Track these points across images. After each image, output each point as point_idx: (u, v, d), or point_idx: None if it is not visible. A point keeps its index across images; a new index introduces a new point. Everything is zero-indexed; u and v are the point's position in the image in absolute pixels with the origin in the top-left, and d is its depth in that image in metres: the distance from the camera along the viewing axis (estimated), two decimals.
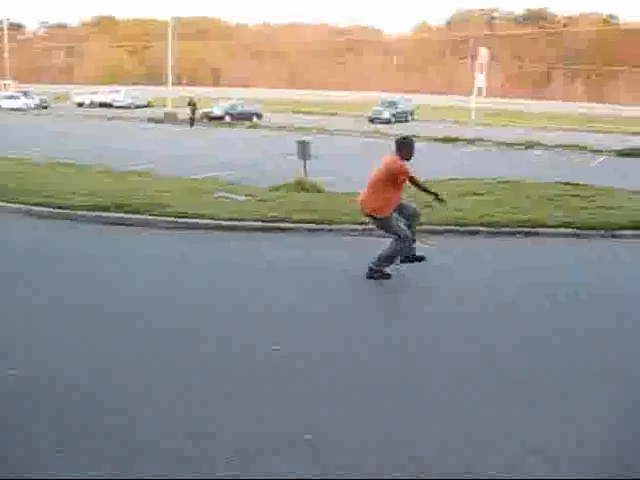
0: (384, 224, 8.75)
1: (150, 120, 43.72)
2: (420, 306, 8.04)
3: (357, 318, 7.33)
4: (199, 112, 43.80)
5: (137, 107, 58.20)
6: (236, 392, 5.34)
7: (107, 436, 4.59)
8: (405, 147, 8.80)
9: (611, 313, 7.85)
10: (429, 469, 4.38)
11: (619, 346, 6.77)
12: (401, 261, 8.91)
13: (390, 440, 4.72)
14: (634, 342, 6.95)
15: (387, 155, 8.87)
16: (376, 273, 8.69)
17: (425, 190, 9.00)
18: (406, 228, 8.72)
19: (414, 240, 8.94)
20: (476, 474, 4.34)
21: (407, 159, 8.80)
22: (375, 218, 8.81)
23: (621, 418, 5.26)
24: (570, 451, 4.66)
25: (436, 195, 9.06)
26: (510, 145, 32.64)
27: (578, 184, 17.70)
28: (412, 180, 8.78)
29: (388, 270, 8.78)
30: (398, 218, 8.75)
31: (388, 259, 8.71)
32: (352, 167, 21.45)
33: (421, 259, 9.02)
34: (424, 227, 11.48)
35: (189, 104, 41.28)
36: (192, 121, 41.02)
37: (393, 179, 8.54)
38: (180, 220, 11.64)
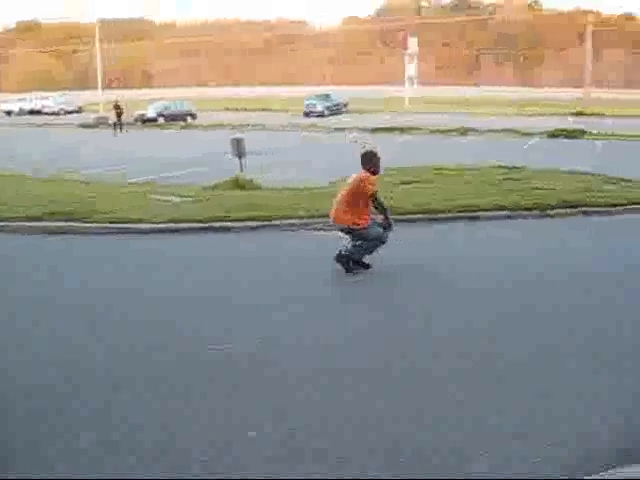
0: (364, 234, 8.71)
1: (82, 126, 42.94)
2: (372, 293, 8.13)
3: (313, 308, 7.36)
4: (133, 115, 43.15)
5: (68, 113, 57.02)
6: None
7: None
8: (367, 161, 8.86)
9: (539, 288, 8.11)
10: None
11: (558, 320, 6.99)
12: (339, 260, 8.83)
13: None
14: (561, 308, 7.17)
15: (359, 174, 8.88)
16: (345, 261, 8.75)
17: (383, 213, 8.83)
18: (383, 231, 8.75)
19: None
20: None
21: (374, 173, 8.82)
22: (355, 230, 8.74)
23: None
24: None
25: (388, 220, 8.82)
26: (444, 132, 33.05)
27: (510, 167, 18.09)
28: (374, 198, 8.68)
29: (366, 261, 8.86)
30: (375, 221, 8.80)
31: (360, 252, 8.77)
32: (288, 162, 21.54)
33: (367, 267, 8.90)
34: None
35: (114, 108, 39.65)
36: (119, 125, 38.89)
37: (362, 195, 8.61)
38: (115, 225, 11.45)
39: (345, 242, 8.91)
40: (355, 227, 8.70)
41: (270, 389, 5.40)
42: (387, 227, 8.80)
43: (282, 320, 7.08)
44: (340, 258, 8.78)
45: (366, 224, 8.68)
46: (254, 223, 11.47)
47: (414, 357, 6.08)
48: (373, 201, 8.71)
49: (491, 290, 8.19)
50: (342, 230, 8.95)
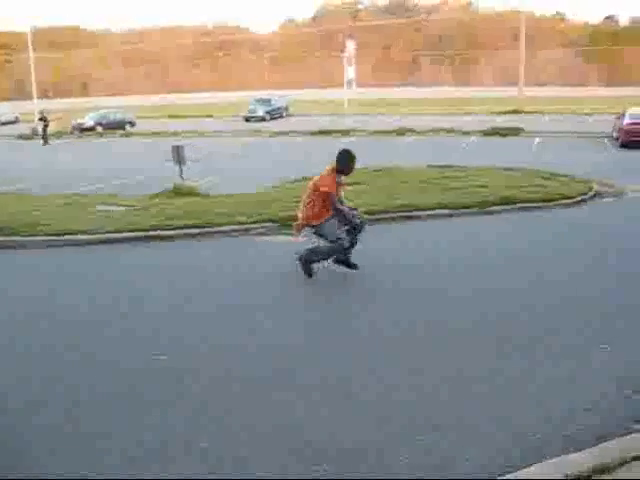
0: (319, 231, 8.75)
1: (20, 137, 41.93)
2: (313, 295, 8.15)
3: (249, 315, 7.34)
4: (71, 124, 42.37)
5: (4, 124, 55.68)
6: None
7: None
8: (342, 160, 8.70)
9: (475, 280, 8.25)
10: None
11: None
12: (335, 261, 8.92)
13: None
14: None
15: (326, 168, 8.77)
16: (303, 263, 8.76)
17: (339, 214, 8.71)
18: (344, 238, 8.64)
19: (352, 246, 8.86)
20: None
21: (345, 173, 8.77)
22: (311, 226, 8.80)
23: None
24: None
25: (351, 223, 8.77)
26: (384, 133, 33.31)
27: (450, 166, 18.35)
28: (332, 201, 8.60)
29: (315, 268, 8.82)
30: (336, 226, 8.67)
31: (318, 255, 8.78)
32: (229, 168, 21.46)
33: (354, 267, 8.91)
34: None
35: (40, 119, 38.24)
36: (44, 137, 37.15)
37: (319, 193, 8.57)
38: (57, 238, 11.25)
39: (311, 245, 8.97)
40: (312, 223, 8.73)
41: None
42: (355, 229, 8.77)
43: (214, 327, 7.07)
44: (300, 260, 8.82)
45: (320, 221, 8.65)
46: (195, 230, 11.39)
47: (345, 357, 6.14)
48: (332, 205, 8.62)
49: (426, 290, 8.30)
50: (308, 228, 8.97)
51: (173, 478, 4.31)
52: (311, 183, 8.79)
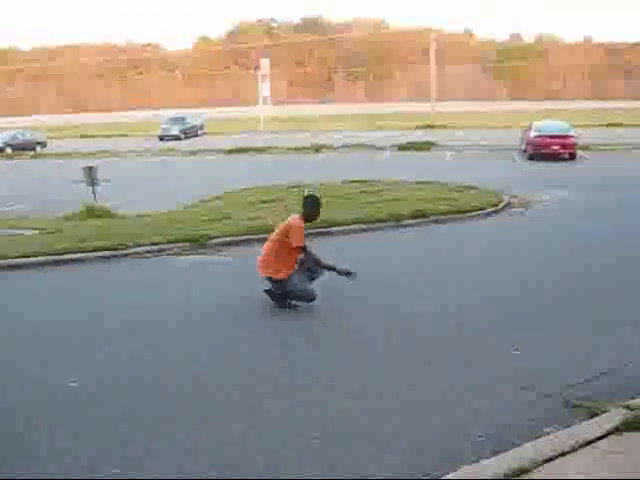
0: (284, 287, 8.05)
1: None
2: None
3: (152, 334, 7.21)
4: None
5: None
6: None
7: None
8: (305, 204, 8.25)
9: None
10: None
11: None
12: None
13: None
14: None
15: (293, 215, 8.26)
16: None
17: (321, 265, 8.14)
18: (310, 288, 8.11)
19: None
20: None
21: (310, 220, 8.29)
22: (275, 281, 8.07)
23: None
24: None
25: (334, 269, 8.15)
26: (299, 150, 33.42)
27: (365, 181, 18.57)
28: (302, 249, 8.02)
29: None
30: (301, 277, 8.11)
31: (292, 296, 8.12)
32: (143, 188, 21.14)
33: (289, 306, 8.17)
34: (217, 240, 11.62)
35: None
36: None
37: (287, 243, 7.96)
38: None
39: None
40: (276, 278, 8.03)
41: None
42: (347, 275, 8.08)
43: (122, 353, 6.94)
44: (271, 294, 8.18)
45: (286, 276, 7.99)
46: (108, 253, 11.12)
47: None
48: (303, 253, 8.05)
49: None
50: (268, 279, 8.17)
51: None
52: (281, 227, 8.13)
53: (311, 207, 8.25)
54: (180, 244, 11.50)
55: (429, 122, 46.68)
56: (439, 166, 25.07)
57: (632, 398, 5.18)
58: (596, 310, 7.82)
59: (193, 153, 34.33)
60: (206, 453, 4.73)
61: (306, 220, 8.20)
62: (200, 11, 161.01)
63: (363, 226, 12.99)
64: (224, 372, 6.25)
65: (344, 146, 33.84)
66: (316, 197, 8.40)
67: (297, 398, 5.60)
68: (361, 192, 16.74)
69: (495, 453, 4.47)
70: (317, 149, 33.36)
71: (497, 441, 4.70)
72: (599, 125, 42.74)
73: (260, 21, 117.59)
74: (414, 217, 13.50)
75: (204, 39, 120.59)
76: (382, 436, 4.92)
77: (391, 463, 4.53)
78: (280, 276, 7.99)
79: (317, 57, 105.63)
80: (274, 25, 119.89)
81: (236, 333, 7.46)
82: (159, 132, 46.29)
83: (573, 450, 4.44)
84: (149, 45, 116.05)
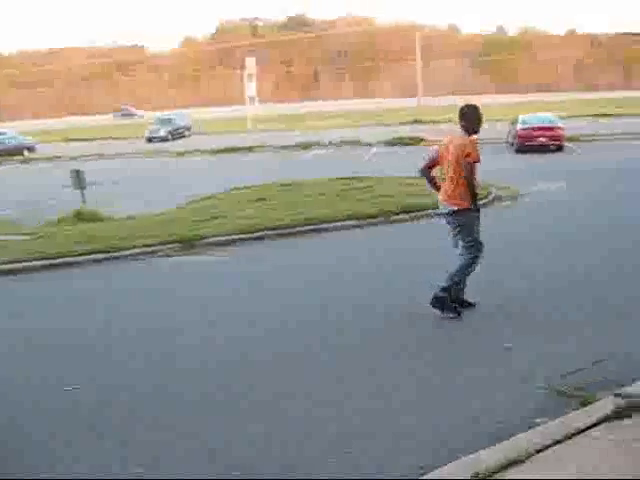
0: (464, 223, 7.28)
1: None
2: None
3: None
4: None
5: None
6: None
7: None
8: (462, 116, 7.38)
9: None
10: None
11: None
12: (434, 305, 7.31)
13: None
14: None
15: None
16: (440, 300, 7.27)
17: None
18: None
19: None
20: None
21: (474, 132, 7.33)
22: (456, 214, 7.28)
23: None
24: None
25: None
26: (289, 148, 33.48)
27: (353, 177, 18.63)
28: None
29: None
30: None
31: (463, 271, 7.32)
32: (132, 190, 21.11)
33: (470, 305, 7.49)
34: (212, 239, 11.65)
35: None
36: None
37: (465, 164, 7.14)
38: None
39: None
40: (457, 209, 7.21)
41: None
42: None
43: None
44: (436, 302, 7.29)
45: (468, 205, 7.18)
46: (100, 256, 11.12)
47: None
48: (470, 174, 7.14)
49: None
50: (446, 219, 7.39)
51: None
52: (454, 153, 7.16)
53: (468, 115, 7.35)
54: (173, 245, 11.51)
55: (417, 117, 46.81)
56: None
57: (622, 386, 5.23)
58: (585, 301, 7.87)
59: (181, 154, 34.32)
60: None
61: (473, 133, 7.33)
62: (185, 11, 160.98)
63: (353, 222, 13.03)
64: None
65: (333, 143, 33.90)
66: (473, 105, 7.48)
67: None
68: (351, 188, 16.79)
69: (489, 446, 4.52)
70: (306, 147, 33.42)
71: (492, 433, 4.74)
72: (586, 115, 42.95)
73: (245, 20, 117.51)
74: (404, 212, 13.56)
75: (190, 39, 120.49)
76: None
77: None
78: (461, 206, 7.20)
79: (303, 56, 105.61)
80: (259, 24, 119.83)
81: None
82: (146, 134, 46.21)
83: (566, 439, 4.49)
84: (135, 47, 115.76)
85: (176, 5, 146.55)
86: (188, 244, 11.50)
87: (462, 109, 7.47)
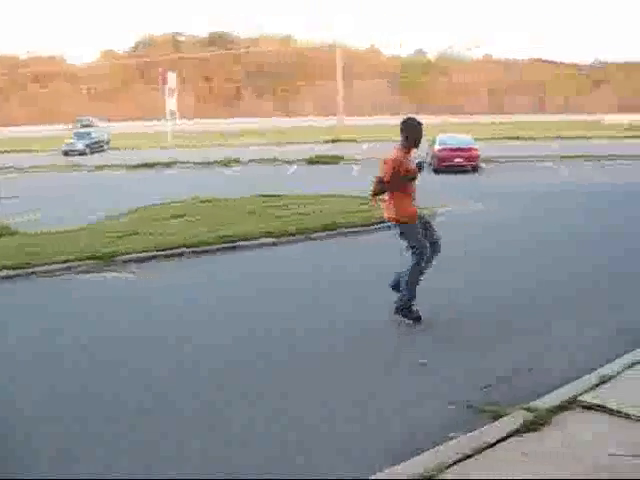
0: (408, 234, 7.67)
1: None
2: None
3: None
4: None
5: None
6: None
7: None
8: (401, 129, 7.64)
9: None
10: None
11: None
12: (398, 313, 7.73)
13: None
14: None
15: None
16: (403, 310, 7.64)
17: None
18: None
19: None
20: None
21: (416, 145, 7.71)
22: (400, 227, 7.74)
23: None
24: None
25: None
26: (208, 164, 33.22)
27: (274, 195, 18.65)
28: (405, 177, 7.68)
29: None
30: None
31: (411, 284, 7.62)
32: (48, 205, 20.53)
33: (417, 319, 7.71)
34: (126, 257, 11.44)
35: None
36: None
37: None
38: None
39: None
40: (398, 223, 7.66)
41: None
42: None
43: None
44: (398, 310, 7.70)
45: (409, 217, 7.59)
46: (12, 272, 10.76)
47: None
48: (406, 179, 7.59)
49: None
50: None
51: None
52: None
53: (406, 129, 7.58)
54: (89, 261, 11.23)
55: (337, 136, 47.31)
56: (347, 179, 25.43)
57: (532, 400, 5.39)
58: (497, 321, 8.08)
59: (99, 168, 33.65)
60: None
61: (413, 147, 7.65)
62: (106, 24, 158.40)
63: (271, 239, 13.03)
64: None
65: (253, 160, 33.87)
66: (412, 118, 7.72)
67: None
68: (269, 206, 16.81)
69: (402, 460, 4.57)
70: (226, 163, 33.27)
71: (404, 449, 4.80)
72: (499, 138, 44.29)
73: (167, 34, 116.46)
74: (323, 230, 13.64)
75: (110, 52, 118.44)
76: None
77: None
78: (400, 219, 7.70)
79: (225, 72, 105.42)
80: (181, 39, 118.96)
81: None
82: (64, 147, 45.09)
83: (476, 453, 4.60)
84: (52, 58, 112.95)
85: (96, 16, 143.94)
86: (105, 260, 11.23)
87: (401, 123, 7.68)
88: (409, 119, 7.69)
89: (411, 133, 7.56)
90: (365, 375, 6.37)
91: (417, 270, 7.59)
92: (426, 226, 7.79)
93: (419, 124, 7.58)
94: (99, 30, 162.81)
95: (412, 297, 7.63)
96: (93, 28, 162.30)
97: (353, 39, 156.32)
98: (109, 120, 75.26)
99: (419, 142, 7.63)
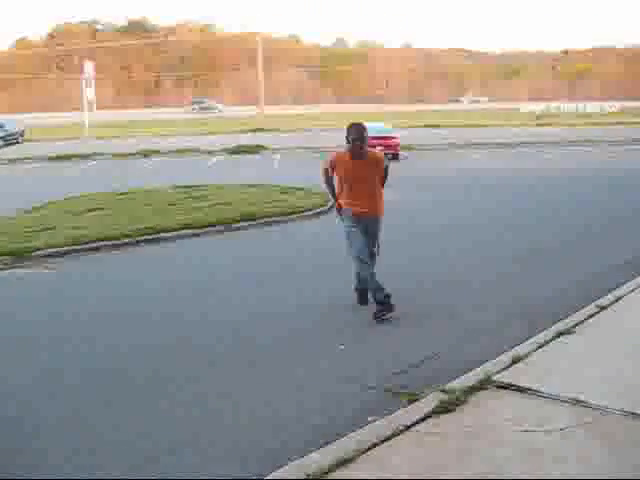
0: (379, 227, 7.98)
1: None
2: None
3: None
4: None
5: None
6: None
7: None
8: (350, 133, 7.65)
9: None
10: None
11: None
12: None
13: None
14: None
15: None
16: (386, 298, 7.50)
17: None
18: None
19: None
20: None
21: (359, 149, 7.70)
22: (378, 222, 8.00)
23: None
24: None
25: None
26: (127, 155, 32.55)
27: (193, 186, 18.44)
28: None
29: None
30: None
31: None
32: None
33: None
34: (41, 252, 11.13)
35: None
36: None
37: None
38: None
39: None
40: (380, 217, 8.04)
41: None
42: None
43: None
44: (363, 295, 7.98)
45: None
46: None
47: None
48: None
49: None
50: (367, 226, 7.84)
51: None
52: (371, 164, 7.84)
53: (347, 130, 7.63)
54: (1, 257, 10.87)
55: (258, 126, 47.15)
56: (268, 168, 25.44)
57: (448, 381, 5.51)
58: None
59: (13, 161, 32.57)
60: None
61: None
62: (19, 10, 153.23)
63: (192, 231, 12.89)
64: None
65: (174, 151, 33.41)
66: (355, 122, 7.80)
67: None
68: (190, 197, 16.61)
69: (320, 447, 4.60)
70: (145, 154, 32.69)
71: (323, 435, 4.83)
72: (419, 126, 44.98)
73: (84, 23, 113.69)
74: (244, 220, 13.60)
75: (23, 41, 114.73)
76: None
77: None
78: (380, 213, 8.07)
79: (144, 61, 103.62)
80: (99, 27, 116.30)
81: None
82: None
83: (394, 436, 4.67)
84: None
85: (9, 3, 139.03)
86: (18, 257, 10.88)
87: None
88: (352, 123, 7.84)
89: (347, 133, 7.66)
90: (286, 363, 6.39)
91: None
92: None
93: (356, 125, 7.70)
94: (13, 17, 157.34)
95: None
96: (6, 15, 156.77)
97: (273, 28, 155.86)
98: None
99: (354, 141, 7.58)
